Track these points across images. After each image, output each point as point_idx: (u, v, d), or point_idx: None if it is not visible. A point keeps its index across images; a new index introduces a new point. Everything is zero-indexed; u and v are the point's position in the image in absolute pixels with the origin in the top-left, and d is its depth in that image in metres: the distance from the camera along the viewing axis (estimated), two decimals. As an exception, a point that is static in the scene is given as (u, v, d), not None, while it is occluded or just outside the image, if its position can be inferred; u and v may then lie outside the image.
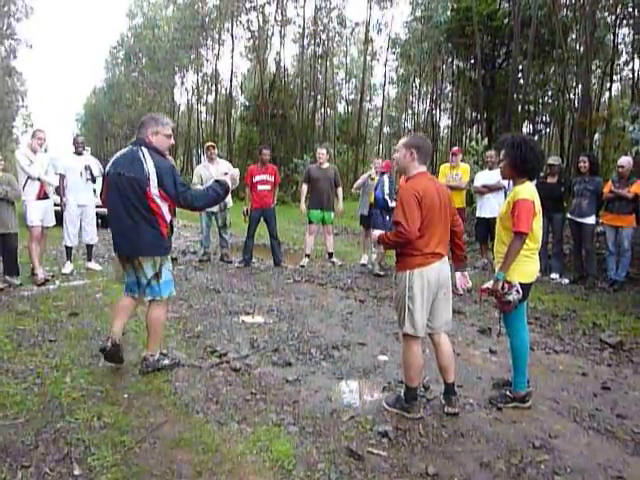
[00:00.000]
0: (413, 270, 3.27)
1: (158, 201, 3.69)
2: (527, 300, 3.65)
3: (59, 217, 7.29)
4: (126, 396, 3.51)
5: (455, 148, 9.42)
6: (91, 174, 7.46)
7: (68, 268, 7.39)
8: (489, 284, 3.48)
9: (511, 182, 3.66)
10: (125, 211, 3.71)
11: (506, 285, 3.38)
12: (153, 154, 3.73)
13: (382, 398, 3.63)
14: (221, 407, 3.42)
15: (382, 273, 7.95)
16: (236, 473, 2.69)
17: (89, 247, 7.76)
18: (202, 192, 3.91)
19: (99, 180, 8.01)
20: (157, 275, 3.83)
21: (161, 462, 2.75)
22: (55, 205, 7.20)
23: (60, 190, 7.18)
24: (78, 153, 7.46)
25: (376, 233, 3.60)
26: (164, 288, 3.89)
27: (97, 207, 7.54)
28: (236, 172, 4.18)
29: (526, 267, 3.47)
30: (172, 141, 3.95)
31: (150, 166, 3.66)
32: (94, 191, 7.75)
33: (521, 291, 3.40)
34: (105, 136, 53.08)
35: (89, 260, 7.80)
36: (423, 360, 3.54)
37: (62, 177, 7.19)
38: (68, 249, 7.48)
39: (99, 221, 9.47)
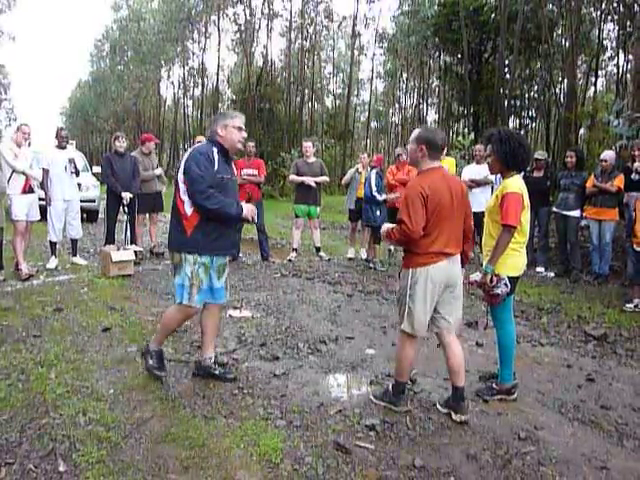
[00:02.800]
0: (417, 268, 3.21)
1: (182, 191, 3.44)
2: (514, 293, 3.67)
3: (43, 212, 7.20)
4: (112, 391, 3.49)
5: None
6: (75, 167, 7.36)
7: (53, 263, 7.30)
8: (477, 277, 3.49)
9: (499, 176, 3.67)
10: None
11: (494, 278, 3.39)
12: (202, 146, 3.53)
13: (369, 392, 3.63)
14: (208, 402, 3.41)
15: (371, 265, 7.99)
16: (223, 468, 2.68)
17: (74, 242, 7.67)
18: (222, 199, 3.38)
19: (83, 174, 7.94)
20: (174, 273, 3.56)
21: (147, 457, 2.73)
22: (40, 200, 7.10)
23: (44, 185, 7.08)
24: (61, 147, 7.35)
25: (384, 227, 3.45)
26: (176, 290, 3.53)
27: (82, 202, 7.45)
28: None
29: (514, 260, 3.48)
30: (244, 134, 3.62)
31: (184, 157, 3.53)
32: (79, 185, 7.67)
33: (509, 284, 3.41)
34: (91, 130, 52.65)
35: (74, 255, 7.72)
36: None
37: (46, 172, 7.08)
38: (53, 244, 7.39)
39: (84, 215, 9.40)
